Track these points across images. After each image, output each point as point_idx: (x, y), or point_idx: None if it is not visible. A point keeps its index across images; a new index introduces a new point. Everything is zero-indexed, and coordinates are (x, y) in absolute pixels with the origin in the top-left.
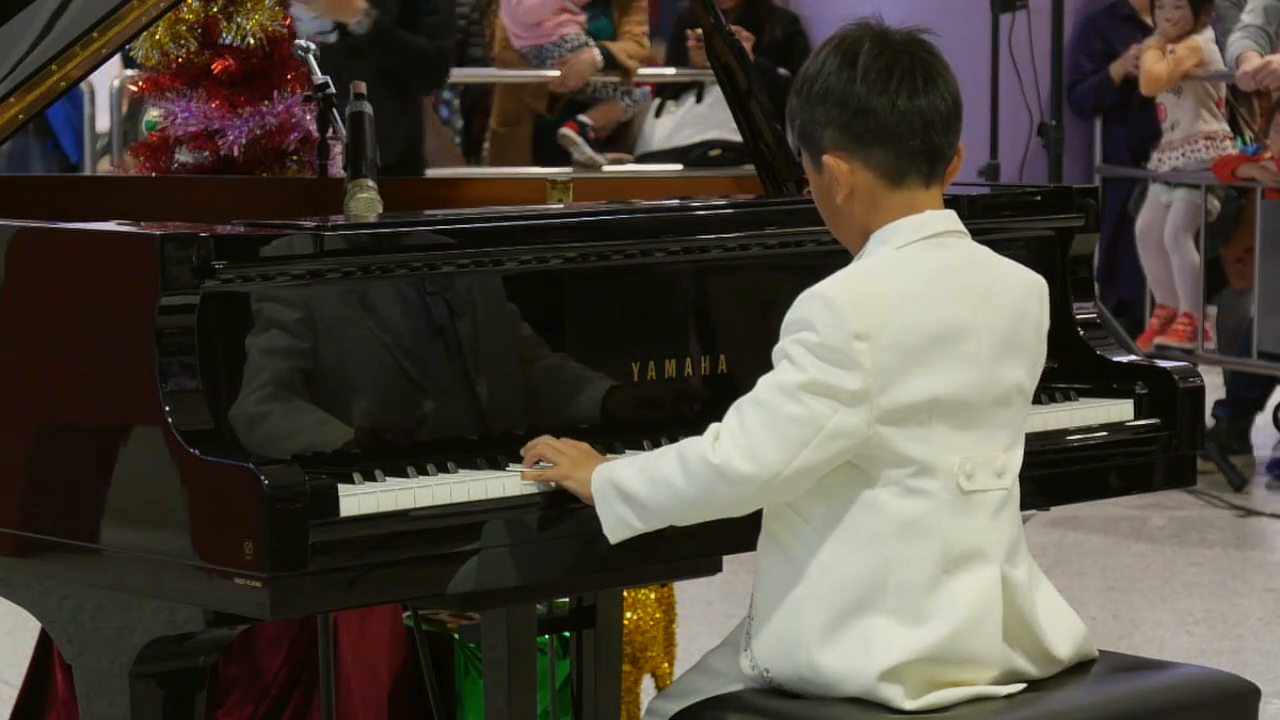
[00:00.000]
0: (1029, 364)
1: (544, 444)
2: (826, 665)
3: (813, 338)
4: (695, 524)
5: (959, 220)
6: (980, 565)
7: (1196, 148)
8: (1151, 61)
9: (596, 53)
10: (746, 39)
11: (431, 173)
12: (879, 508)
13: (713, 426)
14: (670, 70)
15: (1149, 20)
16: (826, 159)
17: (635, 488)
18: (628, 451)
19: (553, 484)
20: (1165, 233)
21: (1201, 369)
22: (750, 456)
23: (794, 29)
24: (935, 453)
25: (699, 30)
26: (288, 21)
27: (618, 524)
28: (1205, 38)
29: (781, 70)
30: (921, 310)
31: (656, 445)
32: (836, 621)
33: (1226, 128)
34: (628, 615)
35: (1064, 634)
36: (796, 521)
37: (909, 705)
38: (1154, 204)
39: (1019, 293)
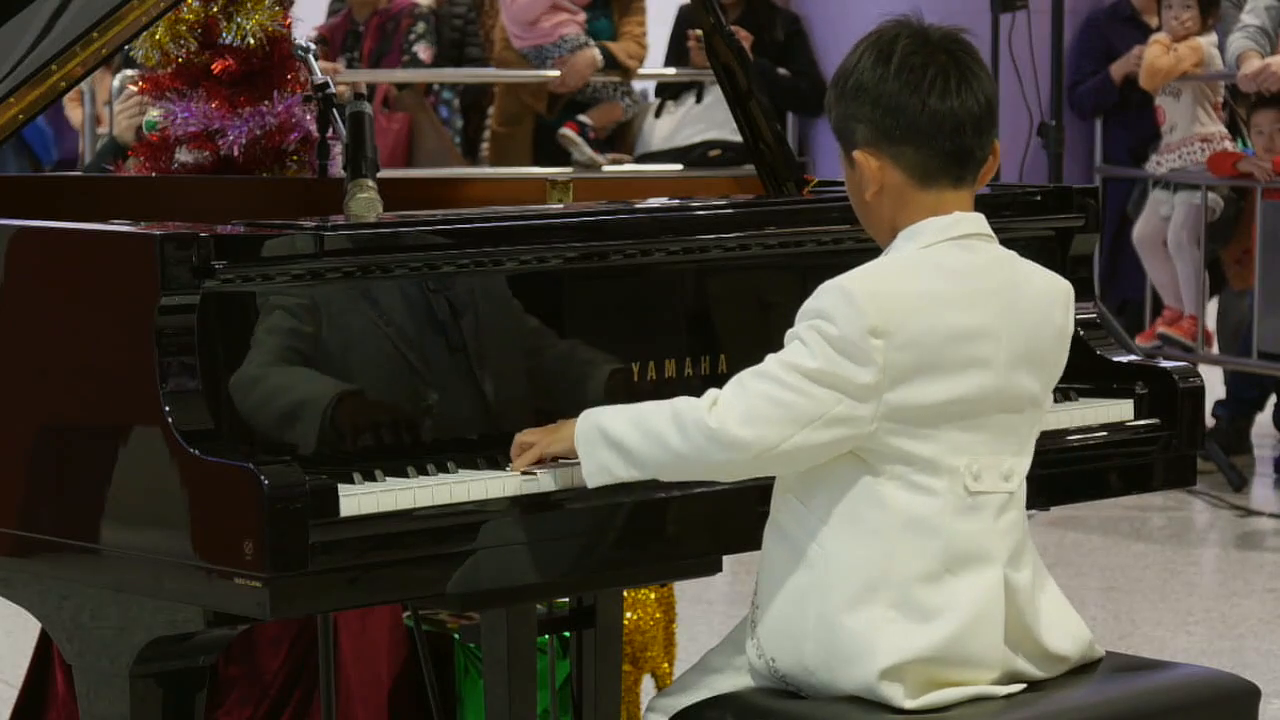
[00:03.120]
0: (1046, 374)
1: (521, 443)
2: (828, 658)
3: (830, 329)
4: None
5: (987, 224)
6: (983, 567)
7: (1194, 150)
8: (1155, 55)
9: (596, 53)
10: (746, 39)
11: (431, 173)
12: (883, 501)
13: (710, 391)
14: (670, 70)
15: (1150, 21)
16: (856, 155)
17: (625, 436)
18: None
19: (548, 462)
20: (1169, 237)
21: (1201, 369)
22: (748, 424)
23: (794, 29)
24: (942, 452)
25: (699, 30)
26: (288, 22)
27: (599, 469)
28: (1208, 40)
29: (781, 70)
30: (941, 310)
31: None
32: (838, 612)
33: (1224, 129)
34: (628, 615)
35: (1065, 638)
36: (799, 508)
37: (909, 704)
38: (1153, 213)
39: (1043, 299)
